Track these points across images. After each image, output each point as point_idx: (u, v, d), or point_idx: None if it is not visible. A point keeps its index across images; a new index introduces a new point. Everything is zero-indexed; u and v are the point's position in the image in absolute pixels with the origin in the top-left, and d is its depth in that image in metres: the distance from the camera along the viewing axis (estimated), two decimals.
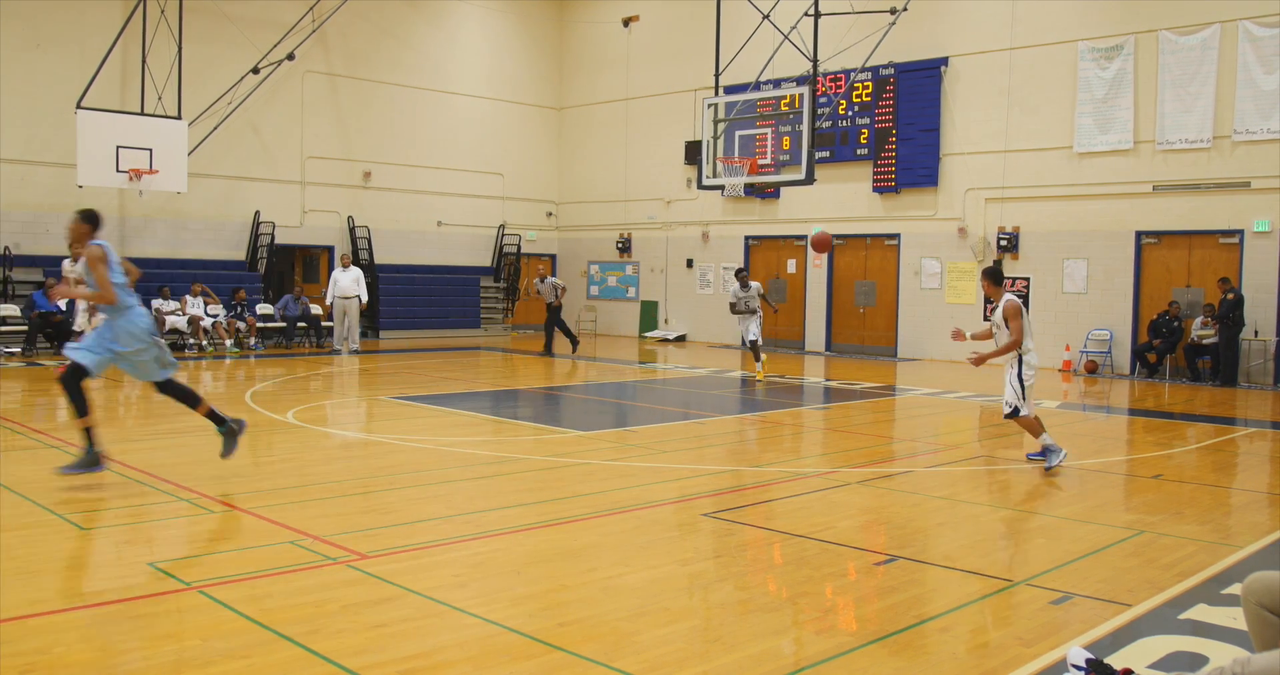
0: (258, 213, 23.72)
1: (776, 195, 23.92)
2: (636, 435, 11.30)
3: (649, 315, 27.28)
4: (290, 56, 22.81)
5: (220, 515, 7.16)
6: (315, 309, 22.40)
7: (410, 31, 26.51)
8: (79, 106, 19.10)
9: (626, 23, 27.36)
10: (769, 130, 20.44)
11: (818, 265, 23.63)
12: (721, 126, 19.81)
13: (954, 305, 21.39)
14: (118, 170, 19.05)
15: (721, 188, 20.41)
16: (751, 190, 21.59)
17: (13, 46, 20.38)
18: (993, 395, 15.30)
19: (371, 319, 24.56)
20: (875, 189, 22.42)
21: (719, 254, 25.52)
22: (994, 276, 10.07)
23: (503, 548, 6.43)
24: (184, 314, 20.54)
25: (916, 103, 21.73)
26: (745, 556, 6.52)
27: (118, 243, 21.90)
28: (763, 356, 17.52)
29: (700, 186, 20.70)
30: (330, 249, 25.08)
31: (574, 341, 22.11)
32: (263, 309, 22.22)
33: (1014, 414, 9.55)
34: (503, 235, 28.25)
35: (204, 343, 20.45)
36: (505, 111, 28.45)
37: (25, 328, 19.12)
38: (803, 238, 23.69)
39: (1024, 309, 9.56)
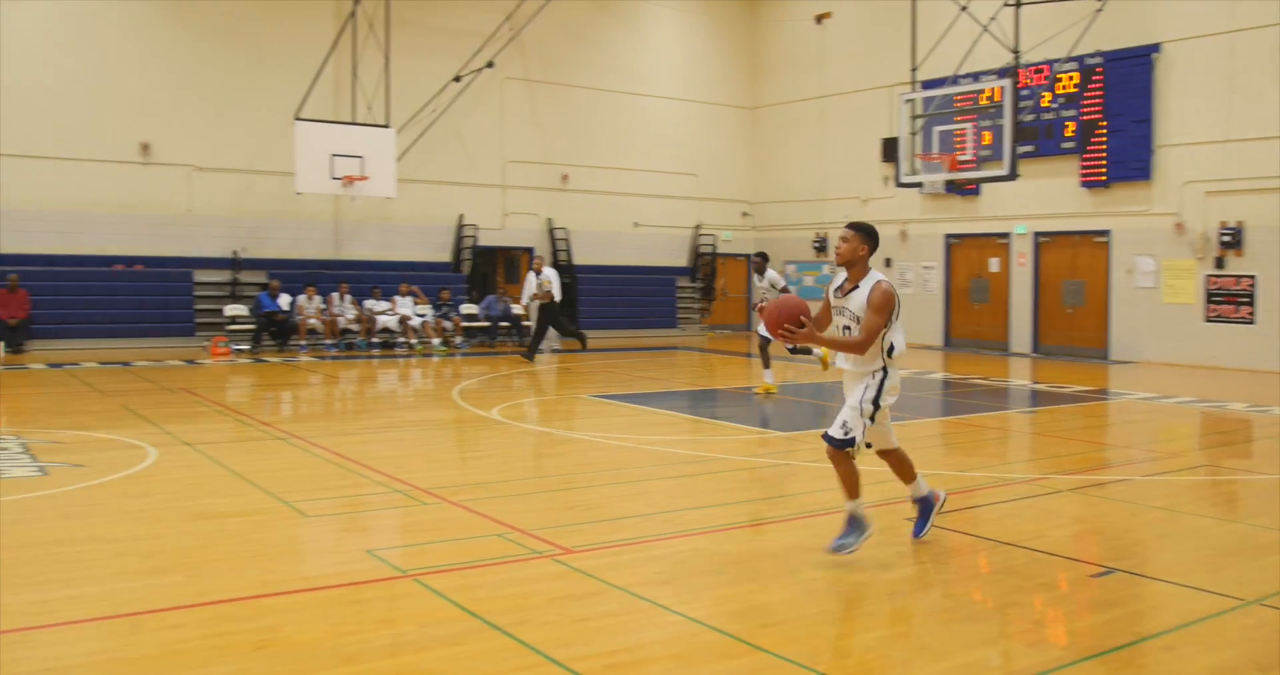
0: (461, 216, 24.55)
1: (977, 192, 23.21)
2: None
3: None
4: (489, 64, 23.52)
5: (431, 507, 7.43)
6: (516, 309, 23.01)
7: (604, 35, 26.94)
8: (297, 118, 20.19)
9: (819, 19, 27.06)
10: (969, 125, 19.88)
11: (1022, 264, 22.82)
12: (919, 122, 19.36)
13: (1172, 305, 20.27)
14: (332, 177, 20.03)
15: (920, 185, 19.95)
16: (952, 187, 21.02)
17: (238, 65, 21.74)
18: (1218, 401, 14.44)
19: (570, 319, 25.10)
20: (1083, 184, 21.46)
21: (918, 253, 24.95)
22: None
23: (704, 546, 6.44)
24: (394, 313, 21.45)
25: (1126, 92, 20.69)
26: (951, 563, 6.34)
27: (332, 247, 23.08)
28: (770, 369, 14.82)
29: (898, 184, 20.28)
30: (530, 250, 25.73)
31: (581, 339, 21.68)
32: (467, 309, 22.98)
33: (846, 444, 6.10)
34: (698, 236, 28.39)
35: (413, 341, 21.28)
36: (698, 112, 28.57)
37: (253, 326, 20.38)
38: (1005, 235, 22.93)
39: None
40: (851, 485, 6.15)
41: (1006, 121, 17.76)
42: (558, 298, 20.68)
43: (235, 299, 21.33)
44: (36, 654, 4.54)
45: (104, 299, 20.18)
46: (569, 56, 26.35)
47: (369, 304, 21.49)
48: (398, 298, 21.79)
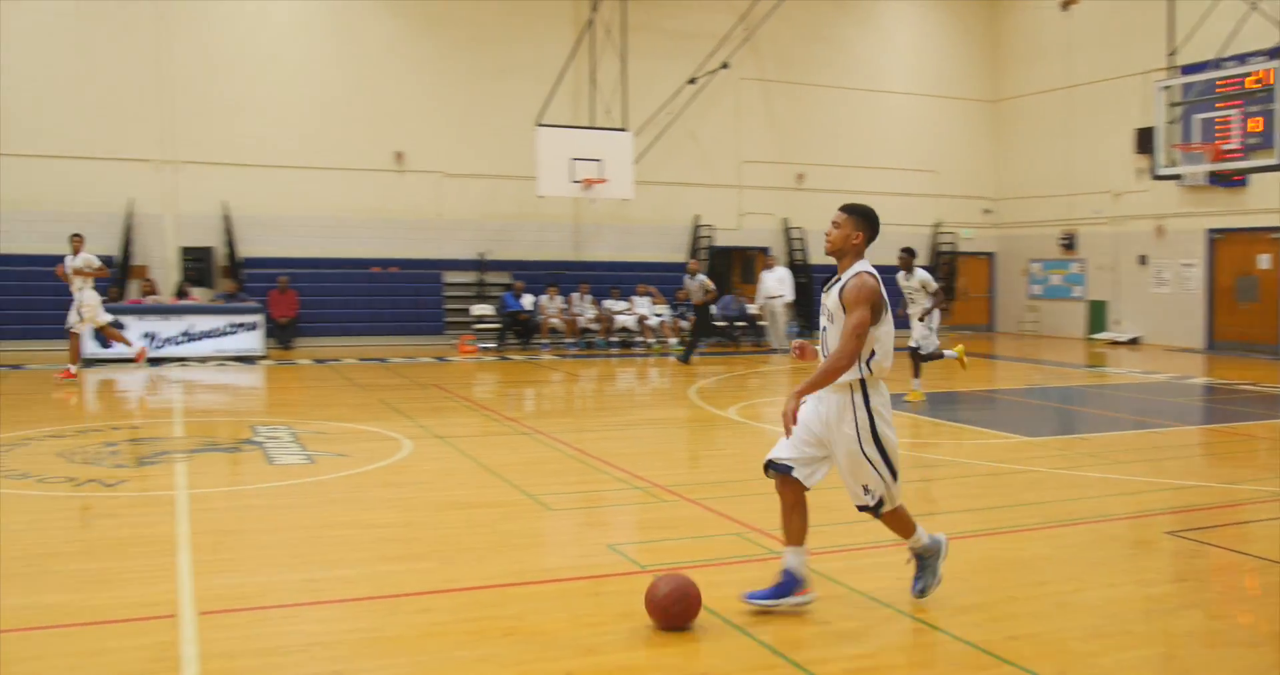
0: (697, 216, 24.76)
1: (1244, 183, 21.58)
2: (1086, 443, 10.62)
3: (1097, 315, 25.57)
4: (724, 65, 23.60)
5: (670, 504, 7.51)
6: (752, 308, 23.00)
7: (839, 32, 26.58)
8: (538, 124, 20.85)
9: (1065, 6, 25.79)
10: (1234, 111, 18.50)
11: None
12: (1177, 110, 18.19)
13: None
14: (573, 181, 20.57)
15: (1179, 177, 18.74)
16: (1215, 179, 19.65)
17: (484, 75, 22.65)
18: None
19: (806, 319, 24.90)
20: None
21: (1176, 249, 23.44)
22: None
23: (948, 554, 6.25)
24: (632, 313, 21.85)
25: None
26: (1215, 582, 5.92)
27: (572, 248, 23.72)
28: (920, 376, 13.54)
29: (1154, 177, 19.12)
30: (766, 250, 25.69)
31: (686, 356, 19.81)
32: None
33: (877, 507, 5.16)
34: (937, 234, 27.63)
35: (650, 341, 21.62)
36: (937, 107, 27.79)
37: (498, 325, 21.22)
38: (1277, 229, 21.24)
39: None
40: (906, 526, 5.24)
41: (1278, 106, 16.46)
42: (789, 298, 20.47)
43: (481, 299, 22.24)
44: (305, 628, 4.86)
45: (362, 299, 21.46)
46: (804, 55, 26.13)
47: (607, 304, 21.99)
48: (635, 298, 22.19)
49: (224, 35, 21.02)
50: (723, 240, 25.20)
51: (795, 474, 5.05)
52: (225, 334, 17.92)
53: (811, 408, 5.06)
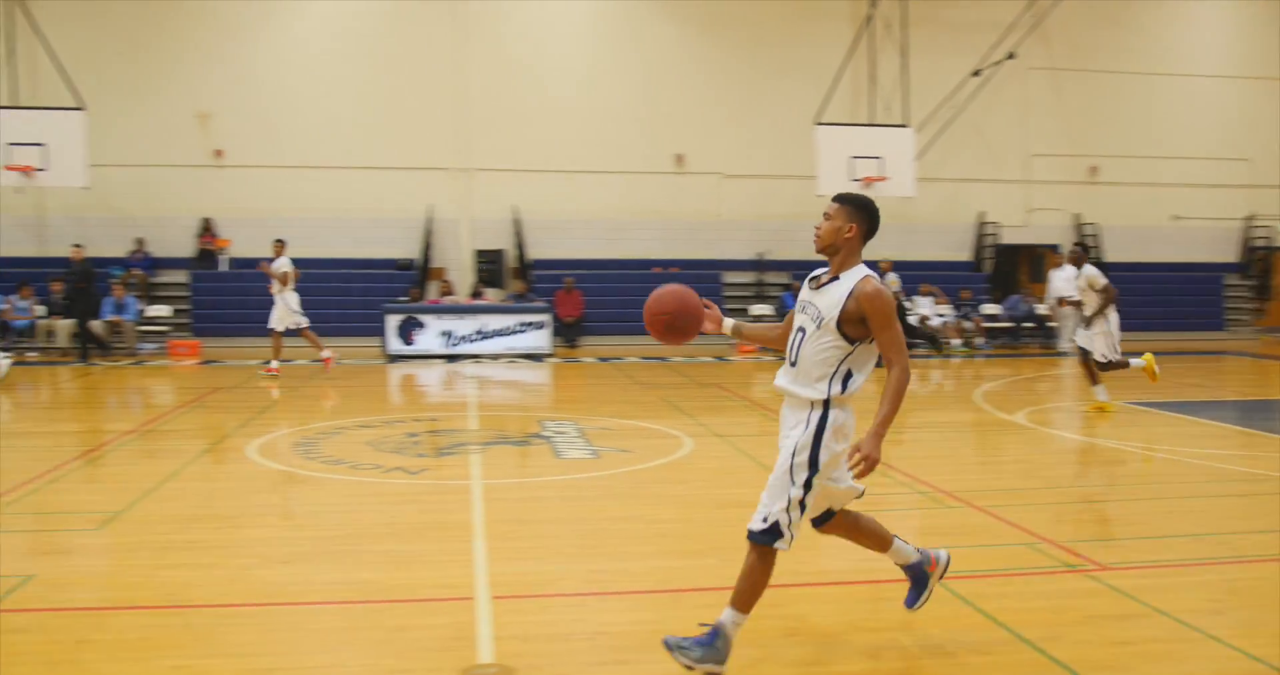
0: (981, 213, 23.90)
1: None
2: None
3: None
4: (1010, 55, 22.66)
5: (955, 511, 7.27)
6: (1041, 309, 21.98)
7: (1137, 16, 24.95)
8: (817, 123, 20.70)
9: None
10: None
11: None
12: None
13: None
14: (852, 179, 20.29)
15: None
16: None
17: (762, 76, 22.73)
18: None
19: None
20: None
21: None
22: None
23: (1266, 575, 5.74)
24: (914, 313, 21.32)
25: None
26: None
27: None
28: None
29: None
30: (1055, 247, 24.47)
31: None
32: (988, 309, 22.31)
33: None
34: (1250, 228, 25.48)
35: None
36: (1252, 90, 25.58)
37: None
38: None
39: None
40: (756, 595, 4.34)
41: None
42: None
43: (760, 299, 22.30)
44: (591, 617, 5.01)
45: (643, 299, 21.69)
46: (1098, 40, 24.70)
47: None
48: (917, 298, 21.64)
49: (517, 45, 22.09)
50: (1009, 238, 24.23)
51: (812, 514, 4.47)
52: (515, 333, 18.78)
53: (784, 423, 4.49)
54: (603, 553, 6.16)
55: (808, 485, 4.26)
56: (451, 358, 18.37)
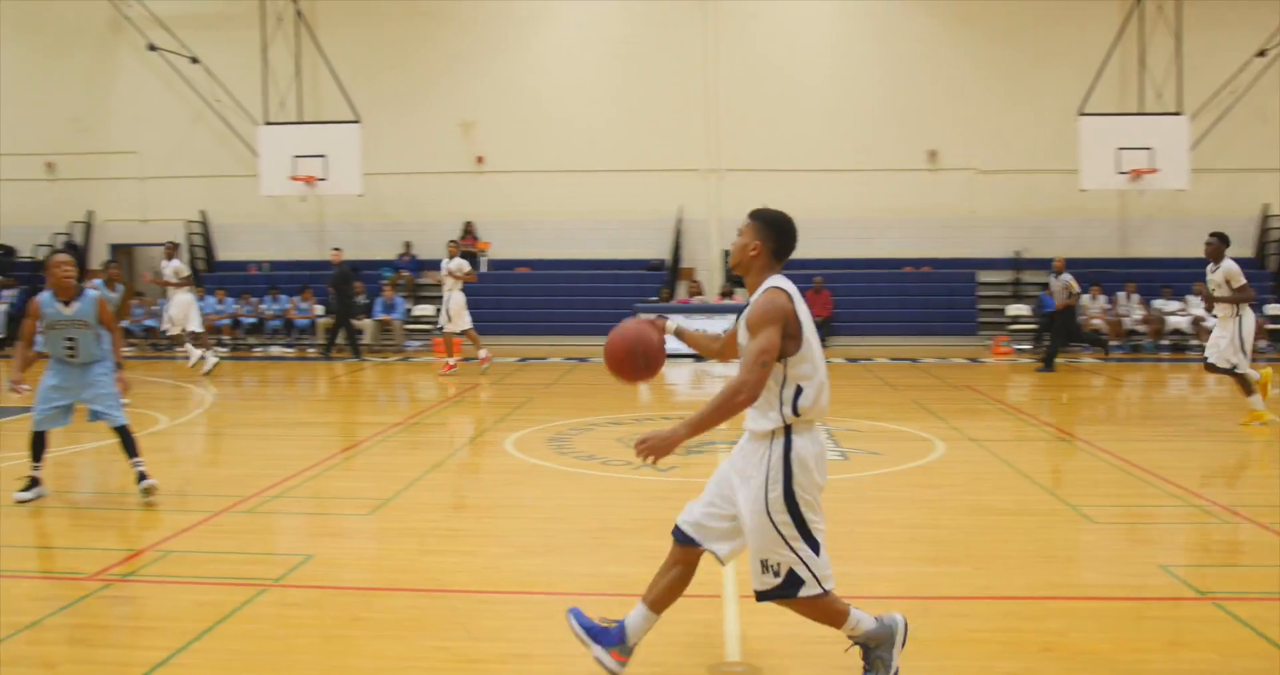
0: (1266, 206, 22.14)
1: None
2: None
3: None
4: None
5: (1234, 526, 6.78)
6: None
7: None
8: (1080, 113, 19.70)
9: None
10: None
11: None
12: None
13: None
14: (1118, 172, 19.25)
15: None
16: None
17: (1019, 66, 21.80)
18: None
19: None
20: None
21: None
22: None
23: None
24: (1186, 314, 20.04)
25: None
26: None
27: (1116, 244, 22.17)
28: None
29: None
30: None
31: (1047, 361, 16.77)
32: (1272, 309, 20.65)
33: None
34: None
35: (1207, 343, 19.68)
36: None
37: (1035, 326, 20.32)
38: None
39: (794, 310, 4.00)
40: (834, 615, 4.07)
41: None
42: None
43: (1017, 299, 21.45)
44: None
45: (894, 299, 21.53)
46: None
47: (1157, 304, 20.31)
48: (1190, 297, 20.27)
49: (767, 43, 22.09)
50: None
51: (704, 547, 4.16)
52: None
53: (731, 460, 4.13)
54: (851, 556, 6.07)
55: (802, 529, 3.90)
56: (700, 357, 18.54)
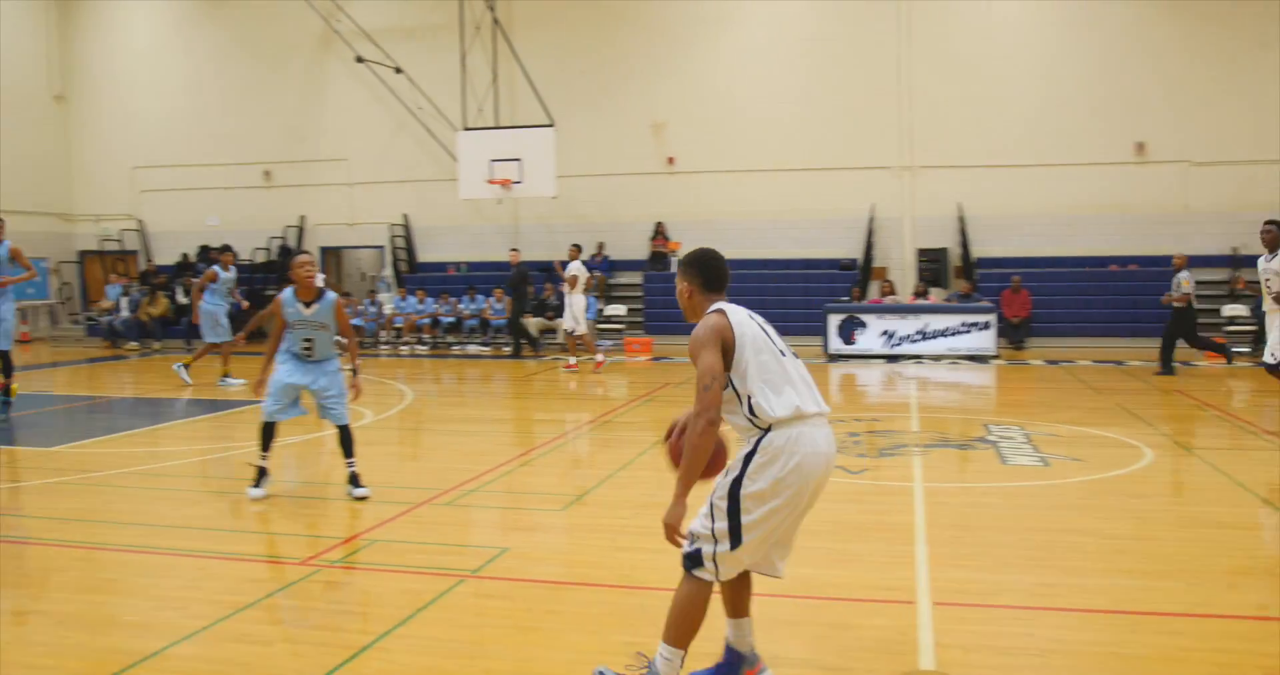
0: None
1: None
2: None
3: None
4: None
5: None
6: None
7: None
8: None
9: None
10: None
11: None
12: None
13: None
14: None
15: None
16: None
17: (1242, 48, 20.42)
18: None
19: None
20: None
21: None
22: None
23: None
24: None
25: None
26: None
27: None
28: None
29: None
30: None
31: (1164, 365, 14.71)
32: None
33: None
34: None
35: None
36: None
37: (1254, 328, 19.11)
38: None
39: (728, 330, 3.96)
40: (692, 620, 4.03)
41: None
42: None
43: (1234, 298, 20.21)
44: (1039, 633, 4.78)
45: (1097, 298, 20.58)
46: None
47: None
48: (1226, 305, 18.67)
49: (963, 35, 21.47)
50: None
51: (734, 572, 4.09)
52: (958, 333, 18.28)
53: None
54: (1052, 565, 5.85)
55: (732, 514, 3.88)
56: (892, 358, 18.22)
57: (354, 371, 7.77)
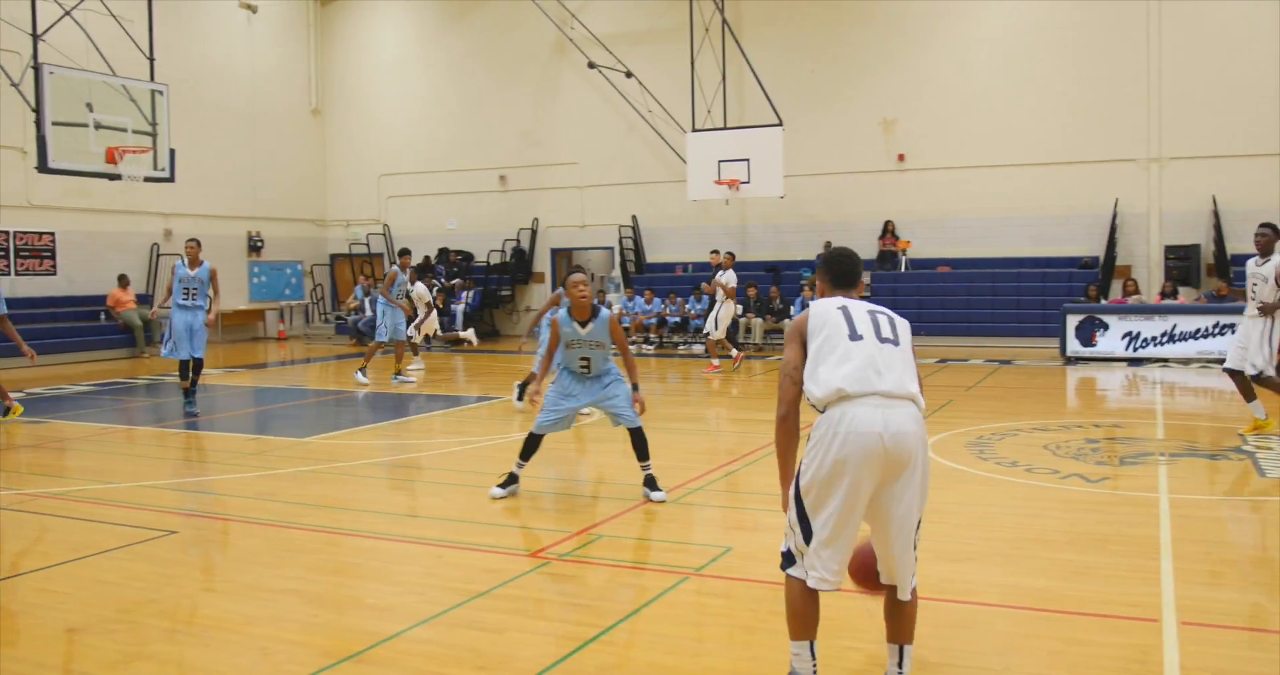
0: None
1: None
2: None
3: None
4: None
5: None
6: None
7: None
8: None
9: None
10: None
11: None
12: None
13: None
14: None
15: None
16: None
17: None
18: None
19: None
20: None
21: None
22: None
23: None
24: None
25: None
26: None
27: None
28: None
29: None
30: None
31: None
32: None
33: None
34: None
35: None
36: None
37: None
38: None
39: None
40: (794, 617, 4.01)
41: None
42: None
43: None
44: None
45: None
46: None
47: None
48: None
49: (1213, 20, 20.07)
50: None
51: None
52: (1210, 336, 17.13)
53: None
54: None
55: (800, 516, 3.96)
56: (1135, 361, 17.25)
57: (634, 387, 7.74)
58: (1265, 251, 10.03)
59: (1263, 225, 10.17)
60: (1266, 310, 9.85)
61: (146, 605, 5.40)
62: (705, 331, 17.81)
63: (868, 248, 22.31)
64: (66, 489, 8.36)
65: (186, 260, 12.65)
